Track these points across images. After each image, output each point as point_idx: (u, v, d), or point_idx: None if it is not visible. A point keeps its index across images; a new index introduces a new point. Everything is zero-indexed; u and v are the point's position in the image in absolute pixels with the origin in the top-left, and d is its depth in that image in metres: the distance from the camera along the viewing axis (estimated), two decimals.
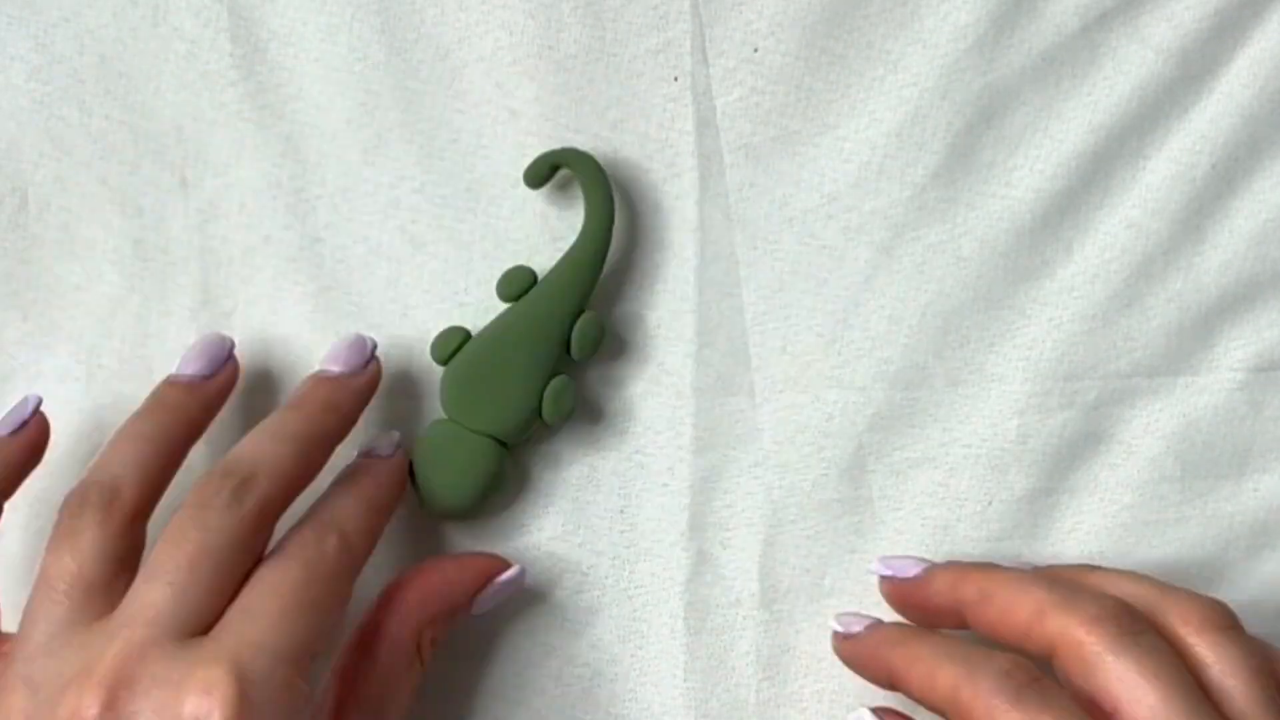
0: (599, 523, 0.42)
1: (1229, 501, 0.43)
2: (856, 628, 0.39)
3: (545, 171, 0.41)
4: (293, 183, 0.42)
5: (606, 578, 0.42)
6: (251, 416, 0.41)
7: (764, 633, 0.42)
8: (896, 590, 0.39)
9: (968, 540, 0.42)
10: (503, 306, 0.41)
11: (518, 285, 0.41)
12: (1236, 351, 0.43)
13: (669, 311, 0.42)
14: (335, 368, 0.39)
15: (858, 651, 0.39)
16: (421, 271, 0.42)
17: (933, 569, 0.39)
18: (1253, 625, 0.43)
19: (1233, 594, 0.43)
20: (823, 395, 0.42)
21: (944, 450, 0.42)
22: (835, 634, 0.40)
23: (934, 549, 0.42)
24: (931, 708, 0.36)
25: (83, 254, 0.42)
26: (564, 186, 0.42)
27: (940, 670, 0.36)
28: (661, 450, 0.42)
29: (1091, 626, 0.34)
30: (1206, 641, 0.36)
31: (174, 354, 0.41)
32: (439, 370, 0.41)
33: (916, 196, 0.42)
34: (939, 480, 0.42)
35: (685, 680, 0.42)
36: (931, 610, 0.38)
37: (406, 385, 0.42)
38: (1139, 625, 0.35)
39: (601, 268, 0.41)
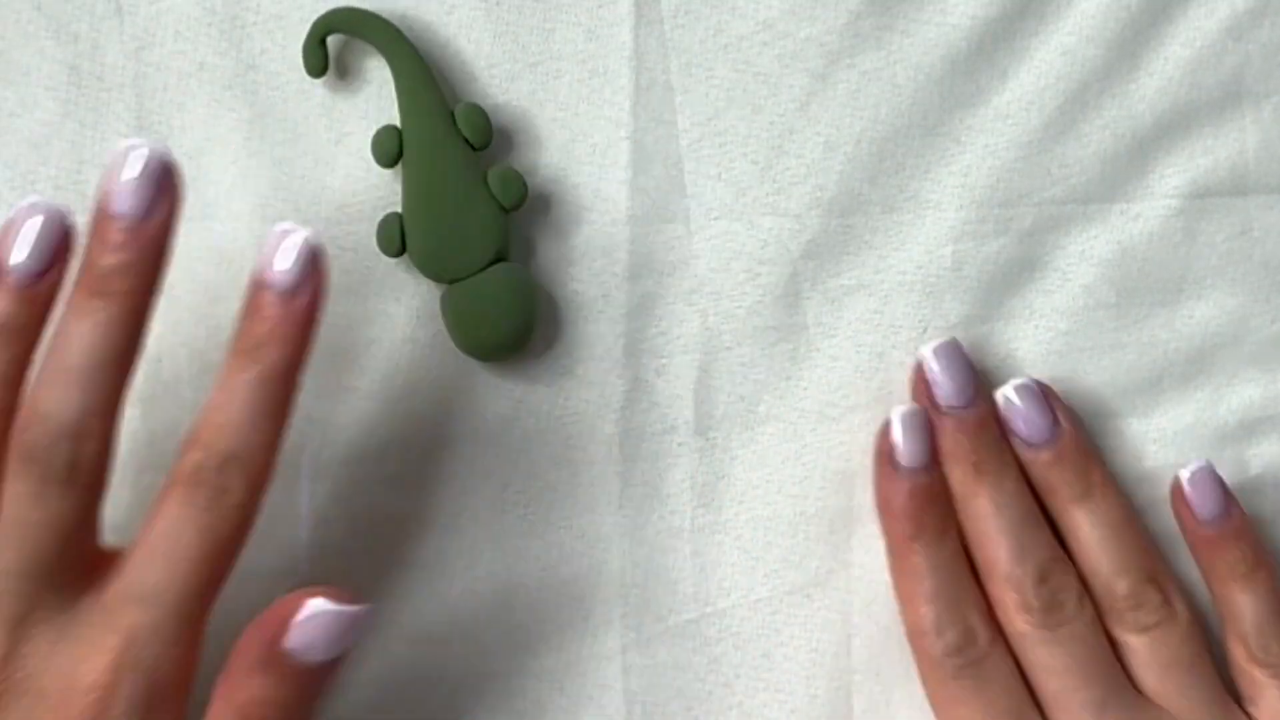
0: (533, 350, 0.42)
1: (1164, 329, 0.43)
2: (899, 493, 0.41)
3: (318, 49, 0.41)
4: (227, 9, 0.42)
5: (541, 405, 0.42)
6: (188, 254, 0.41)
7: (699, 460, 0.42)
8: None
9: (903, 367, 0.42)
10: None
11: (391, 144, 0.41)
12: (1171, 179, 0.43)
13: (603, 139, 0.42)
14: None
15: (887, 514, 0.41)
16: (356, 97, 0.42)
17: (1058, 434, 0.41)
18: (1188, 452, 0.43)
19: (1167, 422, 0.43)
20: (758, 222, 0.42)
21: (879, 277, 0.42)
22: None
23: (869, 375, 0.42)
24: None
25: (18, 81, 0.42)
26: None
27: (917, 605, 0.40)
28: (596, 277, 0.42)
29: (1026, 613, 0.39)
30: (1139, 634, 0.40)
31: None
32: (382, 204, 0.41)
33: (852, 24, 0.42)
34: (874, 307, 0.42)
35: (620, 508, 0.42)
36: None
37: (351, 211, 0.42)
38: (1065, 615, 0.39)
39: (426, 68, 0.40)
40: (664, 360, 0.42)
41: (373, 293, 0.42)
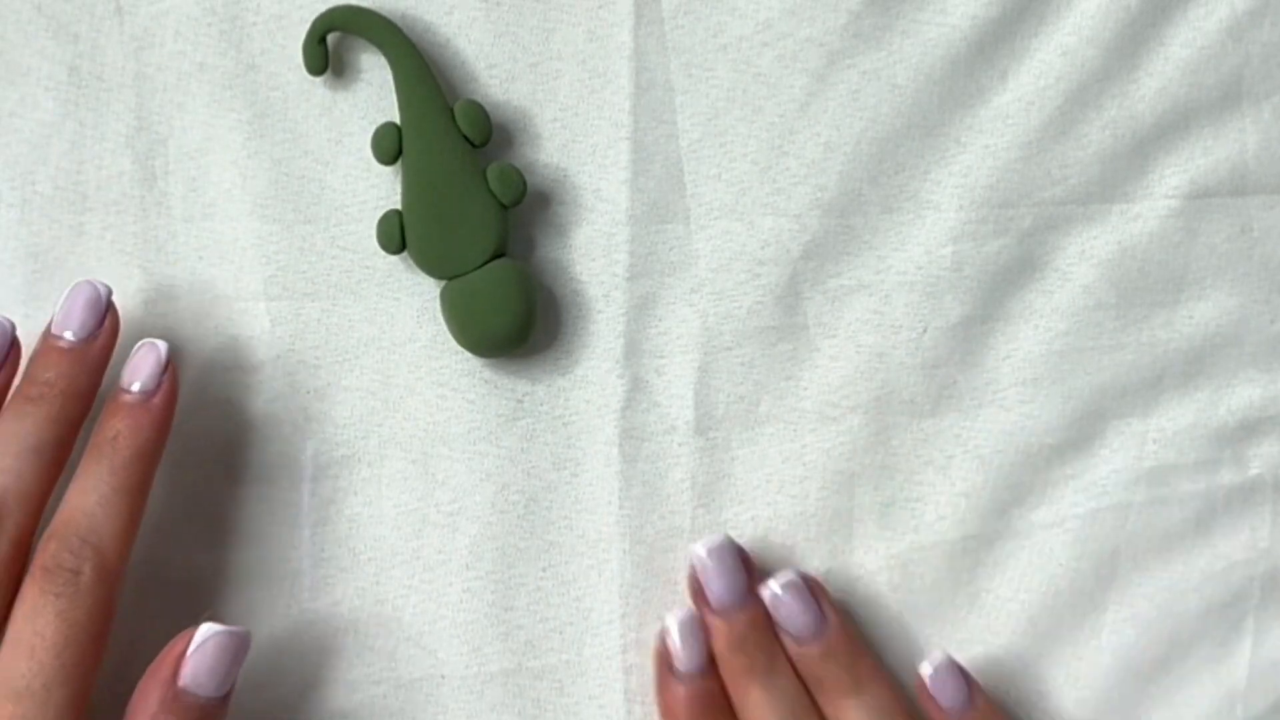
0: (533, 350, 0.42)
1: (1164, 328, 0.43)
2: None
3: (318, 48, 0.41)
4: (227, 9, 0.42)
5: (541, 405, 0.42)
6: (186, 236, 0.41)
7: (698, 460, 0.42)
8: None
9: (903, 368, 0.42)
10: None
11: (391, 141, 0.41)
12: (1171, 178, 0.43)
13: (604, 139, 0.42)
14: (69, 334, 0.38)
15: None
16: (356, 96, 0.42)
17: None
18: (1187, 451, 0.43)
19: (1167, 422, 0.43)
20: (758, 222, 0.42)
21: (879, 277, 0.42)
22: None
23: (869, 376, 0.42)
24: None
25: (18, 80, 0.42)
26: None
27: None
28: (596, 277, 0.42)
29: None
30: None
31: (109, 181, 0.42)
32: (382, 202, 0.41)
33: (852, 23, 0.42)
34: (874, 307, 0.42)
35: (620, 508, 0.42)
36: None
37: (351, 210, 0.42)
38: None
39: (425, 65, 0.40)
40: (664, 360, 0.42)
41: (373, 292, 0.42)
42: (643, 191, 0.42)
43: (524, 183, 0.41)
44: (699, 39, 0.42)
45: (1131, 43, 0.42)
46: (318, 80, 0.42)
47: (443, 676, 0.42)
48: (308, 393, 0.42)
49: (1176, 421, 0.43)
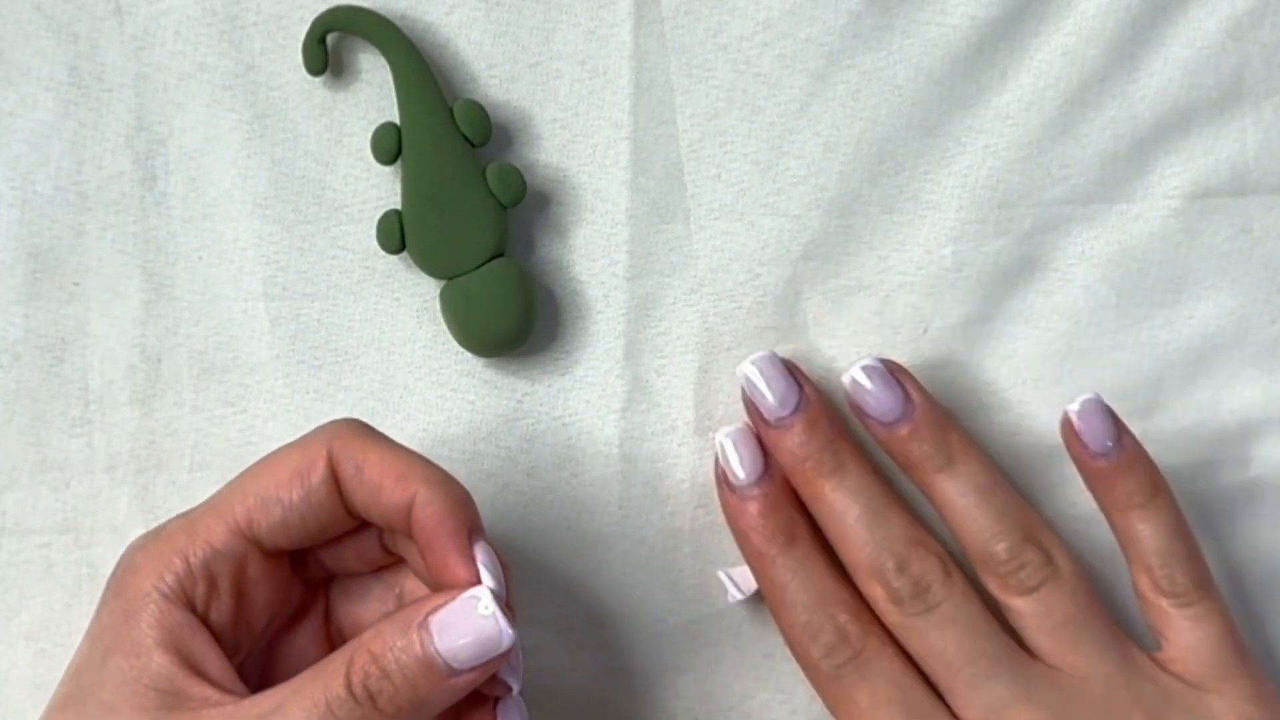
0: (533, 350, 0.42)
1: (1164, 329, 0.43)
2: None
3: (318, 48, 0.41)
4: (227, 9, 0.42)
5: (542, 405, 0.42)
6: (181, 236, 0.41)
7: (699, 460, 0.42)
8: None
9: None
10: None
11: (390, 141, 0.41)
12: (1171, 179, 0.43)
13: (604, 139, 0.42)
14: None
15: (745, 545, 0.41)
16: (356, 97, 0.42)
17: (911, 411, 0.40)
18: (1188, 452, 0.43)
19: (1167, 421, 0.43)
20: (758, 222, 0.42)
21: (879, 277, 0.42)
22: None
23: None
24: None
25: (17, 80, 0.42)
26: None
27: (784, 616, 0.40)
28: (596, 277, 0.42)
29: (896, 604, 0.39)
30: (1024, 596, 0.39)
31: (109, 181, 0.42)
32: (382, 202, 0.41)
33: (851, 24, 0.42)
34: (874, 308, 0.42)
35: (620, 508, 0.42)
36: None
37: (351, 210, 0.42)
38: (934, 598, 0.39)
39: (425, 65, 0.40)
40: (664, 360, 0.42)
41: (373, 292, 0.42)
42: (643, 191, 0.42)
43: (524, 183, 0.41)
44: (699, 39, 0.42)
45: (1131, 43, 0.42)
46: (317, 80, 0.42)
47: None
48: (308, 393, 0.42)
49: (1177, 421, 0.43)
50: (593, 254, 0.42)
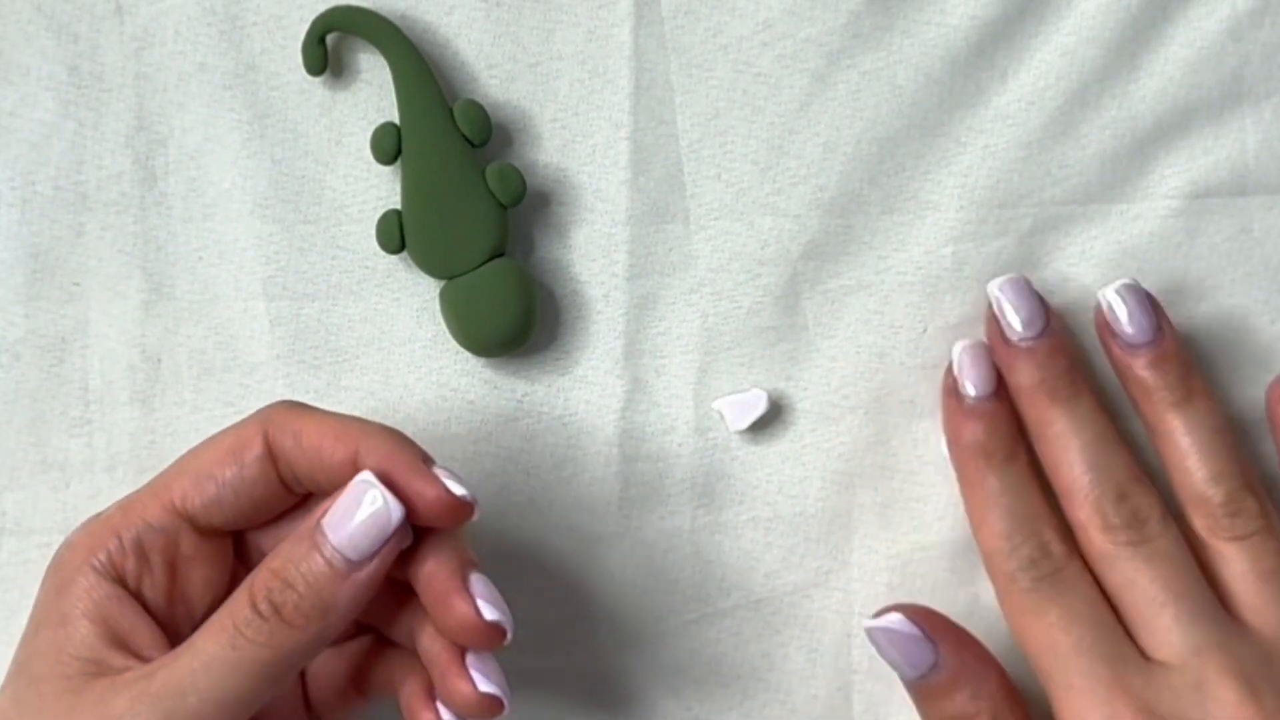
0: (533, 350, 0.42)
1: None
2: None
3: (317, 48, 0.41)
4: (227, 9, 0.42)
5: (541, 405, 0.42)
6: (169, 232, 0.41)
7: (699, 460, 0.42)
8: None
9: (902, 368, 0.42)
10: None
11: (390, 141, 0.41)
12: (1172, 179, 0.43)
13: (603, 139, 0.42)
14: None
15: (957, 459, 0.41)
16: (355, 97, 0.42)
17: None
18: None
19: None
20: (757, 222, 0.42)
21: (879, 277, 0.42)
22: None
23: (869, 375, 0.42)
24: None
25: (18, 80, 0.42)
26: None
27: (989, 525, 0.40)
28: (596, 277, 0.42)
29: (1108, 532, 0.39)
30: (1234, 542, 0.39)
31: (109, 181, 0.42)
32: (382, 202, 0.41)
33: (851, 24, 0.42)
34: (873, 308, 0.42)
35: (620, 508, 0.42)
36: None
37: (351, 210, 0.42)
38: (1149, 532, 0.38)
39: (425, 65, 0.40)
40: (664, 360, 0.42)
41: (373, 292, 0.42)
42: (643, 191, 0.42)
43: (524, 183, 0.41)
44: (699, 39, 0.42)
45: (1131, 43, 0.42)
46: (317, 80, 0.42)
47: None
48: (308, 393, 0.42)
49: None
50: (593, 254, 0.42)
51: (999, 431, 0.40)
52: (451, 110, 0.40)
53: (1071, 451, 0.39)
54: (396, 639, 0.38)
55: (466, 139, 0.40)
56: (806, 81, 0.42)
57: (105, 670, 0.34)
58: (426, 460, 0.35)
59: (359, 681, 0.39)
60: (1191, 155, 0.43)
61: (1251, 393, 0.43)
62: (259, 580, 0.33)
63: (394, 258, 0.42)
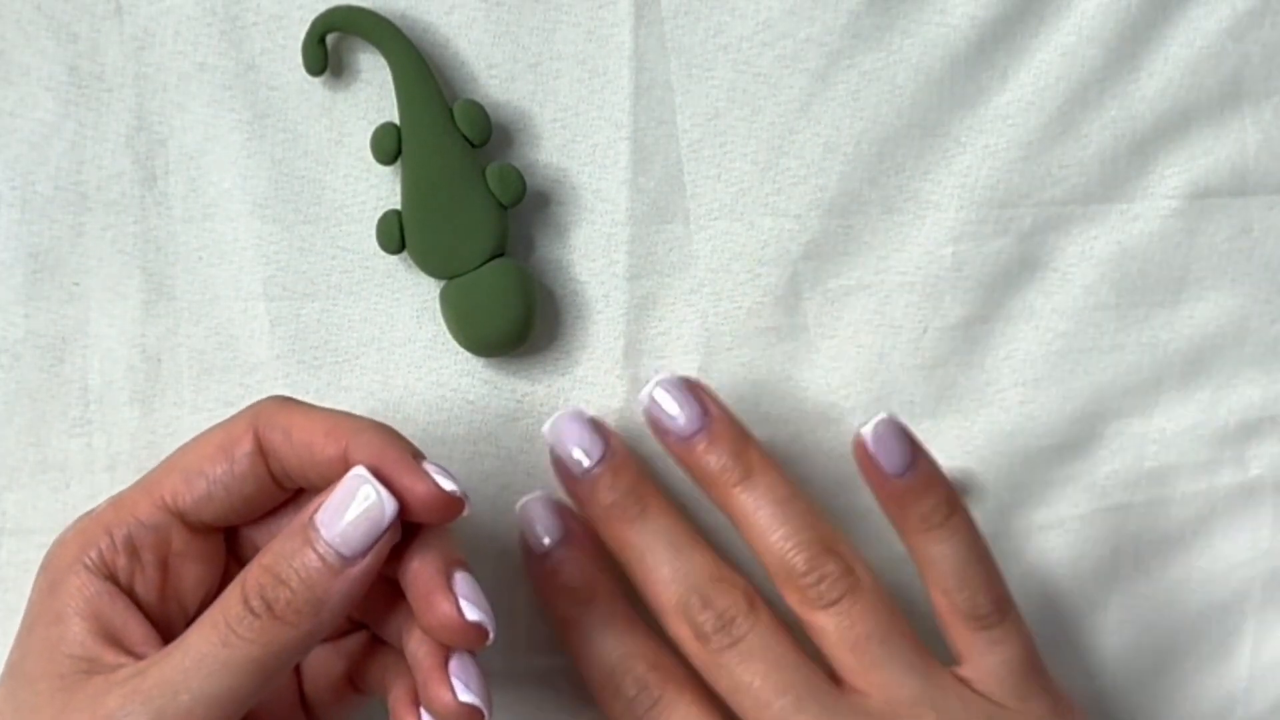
0: (533, 350, 0.42)
1: (1164, 329, 0.43)
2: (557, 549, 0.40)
3: (317, 48, 0.41)
4: (227, 9, 0.42)
5: (542, 405, 0.42)
6: (170, 231, 0.41)
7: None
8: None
9: (902, 368, 0.42)
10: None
11: (390, 141, 0.41)
12: (1172, 179, 0.43)
13: (604, 139, 0.42)
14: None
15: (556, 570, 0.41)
16: (355, 97, 0.42)
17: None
18: (1188, 452, 0.43)
19: (1167, 422, 0.43)
20: (758, 223, 0.42)
21: (879, 278, 0.42)
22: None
23: (869, 376, 0.42)
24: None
25: (17, 80, 0.42)
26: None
27: (590, 672, 0.39)
28: (596, 277, 0.42)
29: (701, 640, 0.38)
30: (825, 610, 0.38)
31: (109, 181, 0.42)
32: (382, 203, 0.41)
33: (852, 24, 0.42)
34: (874, 308, 0.42)
35: None
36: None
37: (351, 211, 0.42)
38: (739, 631, 0.38)
39: (425, 65, 0.40)
40: (664, 360, 0.42)
41: (373, 292, 0.42)
42: (643, 191, 0.42)
43: (524, 183, 0.41)
44: (699, 39, 0.42)
45: (1131, 43, 0.42)
46: (317, 80, 0.42)
47: None
48: (308, 393, 0.42)
49: (1177, 422, 0.43)
50: (593, 254, 0.42)
51: (574, 574, 0.40)
52: (451, 110, 0.40)
53: (648, 567, 0.39)
54: (388, 639, 0.38)
55: (466, 139, 0.40)
56: (806, 81, 0.42)
57: (98, 668, 0.34)
58: (416, 456, 0.35)
59: (354, 678, 0.39)
60: (1191, 155, 0.43)
61: (1250, 393, 0.43)
62: (251, 577, 0.33)
63: (394, 258, 0.42)
